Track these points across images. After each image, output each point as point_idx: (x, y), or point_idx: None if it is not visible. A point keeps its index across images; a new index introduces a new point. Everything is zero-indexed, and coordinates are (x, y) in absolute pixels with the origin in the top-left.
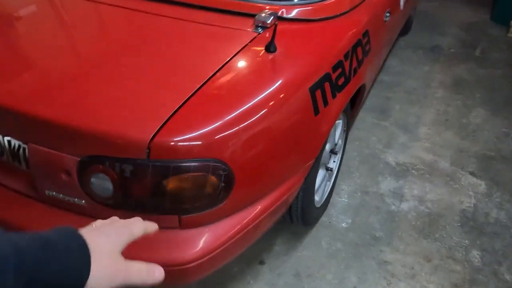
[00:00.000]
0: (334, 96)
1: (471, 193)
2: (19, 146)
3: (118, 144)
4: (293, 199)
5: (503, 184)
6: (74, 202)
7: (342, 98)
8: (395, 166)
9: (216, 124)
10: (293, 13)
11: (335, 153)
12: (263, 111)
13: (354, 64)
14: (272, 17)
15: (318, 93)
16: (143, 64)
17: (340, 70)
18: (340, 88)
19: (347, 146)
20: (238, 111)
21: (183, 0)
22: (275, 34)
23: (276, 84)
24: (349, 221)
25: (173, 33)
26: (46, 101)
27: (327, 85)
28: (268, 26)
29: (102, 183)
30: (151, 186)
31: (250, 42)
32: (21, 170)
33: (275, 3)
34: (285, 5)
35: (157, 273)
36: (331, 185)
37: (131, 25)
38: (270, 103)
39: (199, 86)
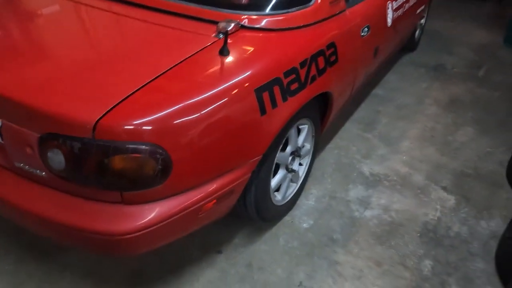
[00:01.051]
0: (284, 99)
1: (438, 206)
2: None
3: (70, 124)
4: (242, 191)
5: (473, 201)
6: (37, 173)
7: (295, 102)
8: (369, 176)
9: (158, 114)
10: (255, 23)
11: (299, 156)
12: (205, 107)
13: (313, 72)
14: (233, 25)
15: (266, 95)
16: (104, 58)
17: (293, 76)
18: (292, 92)
19: (325, 153)
20: (181, 105)
21: (156, 5)
22: (227, 39)
23: (222, 83)
24: (311, 222)
25: (140, 34)
26: (15, 85)
27: (276, 89)
28: (229, 33)
29: (57, 158)
30: (95, 163)
31: (208, 45)
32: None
33: (239, 12)
34: (248, 15)
35: None
36: (297, 187)
37: (101, 23)
38: (213, 100)
39: (150, 79)
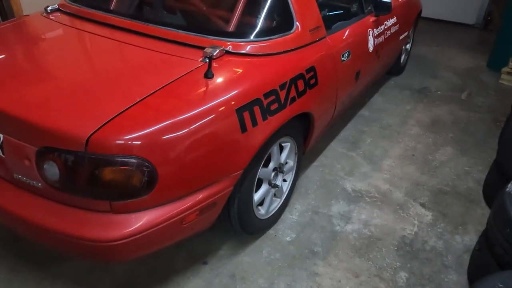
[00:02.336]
0: (265, 118)
1: (415, 222)
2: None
3: (65, 138)
4: (226, 205)
5: (449, 217)
6: (33, 184)
7: (275, 121)
8: (351, 192)
9: (146, 131)
10: (239, 49)
11: (282, 172)
12: (189, 125)
13: (292, 94)
14: (218, 50)
15: (246, 114)
16: (99, 79)
17: (273, 97)
18: (272, 112)
19: (310, 170)
20: (167, 122)
21: (149, 32)
22: (211, 64)
23: (205, 103)
24: (294, 236)
25: (134, 57)
26: (17, 102)
27: (256, 109)
28: (214, 57)
29: (52, 169)
30: (87, 174)
31: (195, 69)
32: (0, 157)
33: (224, 39)
34: (232, 41)
35: None
36: (281, 202)
37: (98, 47)
38: (197, 118)
39: (140, 99)
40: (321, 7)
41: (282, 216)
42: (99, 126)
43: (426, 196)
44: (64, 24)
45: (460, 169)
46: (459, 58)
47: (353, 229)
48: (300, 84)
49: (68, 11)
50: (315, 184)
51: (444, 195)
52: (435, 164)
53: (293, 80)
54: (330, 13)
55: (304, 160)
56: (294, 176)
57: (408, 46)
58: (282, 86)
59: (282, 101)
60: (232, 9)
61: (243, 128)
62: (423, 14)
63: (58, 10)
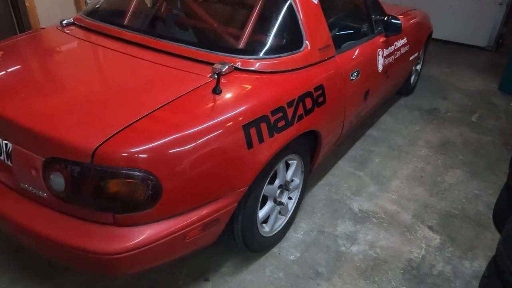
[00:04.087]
0: (271, 135)
1: (423, 245)
2: (7, 145)
3: (72, 150)
4: (229, 220)
5: (458, 241)
6: (39, 194)
7: (282, 138)
8: (357, 212)
9: (151, 145)
10: (248, 66)
11: (288, 190)
12: (196, 140)
13: (300, 112)
14: (227, 67)
15: (253, 131)
16: (109, 92)
17: (280, 114)
18: (279, 129)
19: (316, 189)
20: (173, 137)
21: (160, 47)
22: (220, 80)
23: (212, 119)
24: (298, 255)
25: (144, 71)
26: (27, 113)
27: (263, 125)
28: (223, 73)
29: (58, 180)
30: (92, 185)
31: (203, 84)
32: (8, 165)
33: (234, 56)
34: (241, 58)
35: None
36: (286, 220)
37: (109, 61)
38: (203, 133)
39: (147, 112)
40: (331, 26)
41: (287, 234)
42: (106, 139)
43: (434, 219)
44: (78, 38)
45: (469, 192)
46: (470, 80)
47: (358, 250)
48: (308, 102)
49: (82, 25)
50: (321, 203)
51: (453, 218)
52: (444, 187)
53: (301, 98)
54: (340, 33)
55: (311, 178)
56: (300, 194)
57: (419, 67)
58: (289, 104)
59: (290, 118)
60: (242, 27)
61: (249, 145)
62: (435, 36)
63: (73, 23)
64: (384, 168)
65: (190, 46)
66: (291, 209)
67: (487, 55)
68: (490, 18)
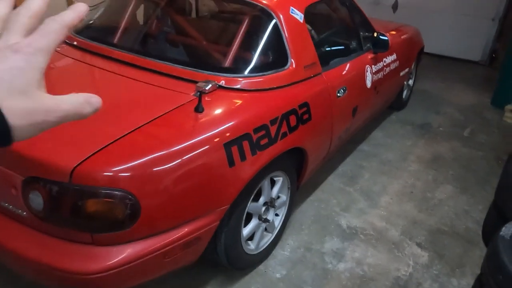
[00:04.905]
0: (254, 153)
1: (411, 262)
2: None
3: (51, 169)
4: (212, 238)
5: (446, 258)
6: (19, 213)
7: (265, 156)
8: (346, 229)
9: (131, 164)
10: (232, 84)
11: (274, 207)
12: (176, 159)
13: (284, 129)
14: (210, 85)
15: (235, 149)
16: None
17: (263, 132)
18: (262, 147)
19: (305, 205)
20: (153, 156)
21: (145, 65)
22: (202, 98)
23: (193, 137)
24: (284, 272)
25: (128, 90)
26: None
27: (245, 143)
28: (206, 92)
29: (37, 199)
30: (70, 205)
31: (186, 103)
32: None
33: (218, 74)
34: (225, 76)
35: (94, 99)
36: (273, 237)
37: (94, 79)
38: (183, 152)
39: (128, 131)
40: (319, 43)
41: (273, 252)
42: (84, 158)
43: (423, 236)
44: (65, 55)
45: (459, 208)
46: (463, 95)
47: (345, 268)
48: (292, 120)
49: (71, 42)
50: (309, 219)
51: (442, 235)
52: (434, 202)
53: (285, 116)
54: (328, 50)
55: (300, 194)
56: (287, 211)
57: (411, 81)
58: (273, 121)
59: (273, 136)
60: (227, 45)
61: (231, 163)
62: (430, 50)
63: (63, 41)
64: (374, 184)
65: (175, 65)
66: (277, 226)
67: (481, 69)
68: (483, 33)
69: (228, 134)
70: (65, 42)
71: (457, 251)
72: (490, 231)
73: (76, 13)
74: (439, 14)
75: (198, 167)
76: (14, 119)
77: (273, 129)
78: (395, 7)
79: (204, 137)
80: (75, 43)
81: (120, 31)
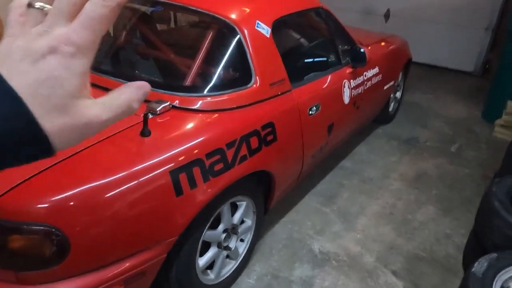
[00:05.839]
0: (206, 179)
1: None
2: None
3: None
4: (163, 270)
5: None
6: None
7: (220, 182)
8: (317, 254)
9: (56, 197)
10: (187, 104)
11: (236, 233)
12: (109, 190)
13: (243, 152)
14: (161, 106)
15: (183, 176)
16: None
17: (218, 157)
18: (216, 173)
19: (278, 227)
20: (82, 188)
21: (96, 82)
22: (148, 120)
23: (133, 166)
24: None
25: None
26: None
27: (196, 170)
28: (158, 113)
29: None
30: None
31: (134, 125)
32: None
33: (172, 93)
34: (181, 96)
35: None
36: (237, 264)
37: None
38: (120, 182)
39: (61, 159)
40: (291, 58)
41: (238, 279)
42: (6, 190)
43: (399, 262)
44: None
45: (440, 232)
46: (454, 107)
47: None
48: (254, 142)
49: None
50: (280, 243)
51: (420, 261)
52: (414, 225)
53: (245, 138)
54: (301, 65)
55: (272, 214)
56: (253, 236)
57: (398, 94)
58: (230, 145)
59: (230, 160)
60: (185, 62)
61: (179, 192)
62: (421, 60)
63: None
64: (353, 204)
65: (125, 81)
66: (242, 252)
67: (474, 80)
68: (476, 43)
69: (175, 161)
70: None
71: (434, 280)
72: (469, 260)
73: None
74: (432, 23)
75: (139, 198)
76: (53, 138)
77: (230, 153)
78: (387, 16)
79: (147, 165)
80: None
81: None
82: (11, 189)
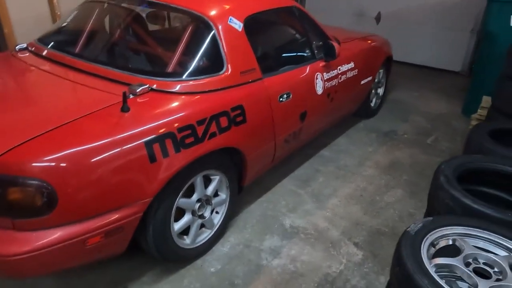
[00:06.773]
0: (177, 150)
1: (344, 260)
2: None
3: None
4: (141, 230)
5: (380, 258)
6: None
7: (190, 154)
8: (288, 228)
9: (50, 157)
10: (164, 87)
11: (210, 204)
12: (96, 154)
13: (212, 130)
14: (141, 88)
15: (156, 146)
16: (25, 109)
17: (189, 131)
18: (187, 146)
19: (254, 205)
20: (73, 150)
21: (83, 68)
22: (127, 98)
23: (116, 134)
24: (219, 267)
25: (65, 91)
26: None
27: (168, 141)
28: (138, 94)
29: None
30: None
31: (116, 103)
32: None
33: (152, 78)
34: (158, 80)
35: None
36: (212, 233)
37: (40, 82)
38: (104, 148)
39: (53, 127)
40: (265, 51)
41: (213, 248)
42: (7, 149)
43: (362, 236)
44: (21, 61)
45: (404, 211)
46: (436, 104)
47: (279, 264)
48: (223, 121)
49: (31, 49)
50: (254, 219)
51: (381, 235)
52: (381, 205)
53: (215, 117)
54: (274, 57)
55: (250, 195)
56: (228, 209)
57: (380, 90)
58: (200, 122)
59: (200, 135)
60: (163, 51)
61: (152, 159)
62: (410, 61)
63: (26, 48)
64: (326, 187)
65: (114, 69)
66: (217, 223)
67: (460, 80)
68: (463, 44)
69: (150, 132)
70: (28, 49)
71: (392, 251)
72: None
73: None
74: (421, 26)
75: (118, 162)
76: None
77: (200, 129)
78: (378, 18)
79: (126, 135)
80: (35, 50)
81: (72, 38)
82: (11, 148)
